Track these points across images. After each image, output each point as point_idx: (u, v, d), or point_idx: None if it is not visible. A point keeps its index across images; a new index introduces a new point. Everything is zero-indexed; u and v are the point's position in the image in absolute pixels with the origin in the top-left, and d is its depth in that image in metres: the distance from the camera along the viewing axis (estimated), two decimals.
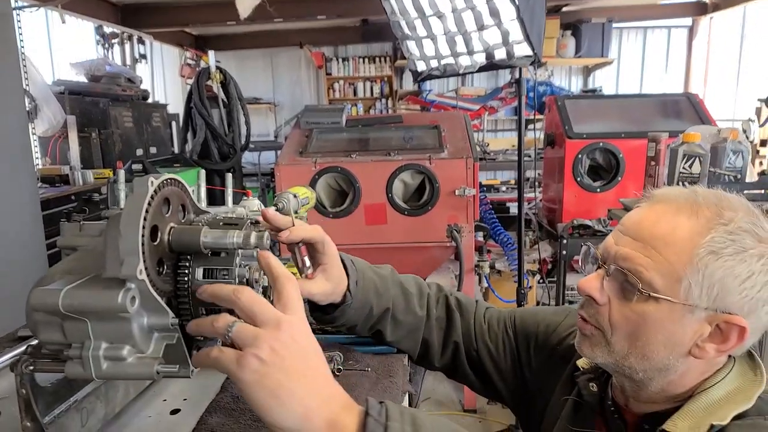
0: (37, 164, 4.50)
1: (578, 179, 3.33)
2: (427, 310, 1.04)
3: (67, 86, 4.59)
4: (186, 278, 0.67)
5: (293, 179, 2.89)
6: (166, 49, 7.64)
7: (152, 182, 0.62)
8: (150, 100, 5.66)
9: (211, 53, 3.69)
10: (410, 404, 1.19)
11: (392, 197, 2.89)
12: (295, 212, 1.44)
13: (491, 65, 2.21)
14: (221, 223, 0.71)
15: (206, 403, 0.90)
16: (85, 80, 4.95)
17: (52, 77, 5.15)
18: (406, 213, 2.90)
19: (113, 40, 5.90)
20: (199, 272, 0.68)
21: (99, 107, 4.55)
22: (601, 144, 3.32)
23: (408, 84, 8.07)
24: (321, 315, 0.95)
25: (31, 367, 0.67)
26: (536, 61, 2.08)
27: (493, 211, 3.61)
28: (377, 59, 8.07)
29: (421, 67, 2.46)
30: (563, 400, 0.91)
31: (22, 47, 3.23)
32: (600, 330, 0.78)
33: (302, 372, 0.59)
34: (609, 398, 0.86)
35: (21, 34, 3.27)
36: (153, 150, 5.12)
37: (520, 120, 2.42)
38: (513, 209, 4.54)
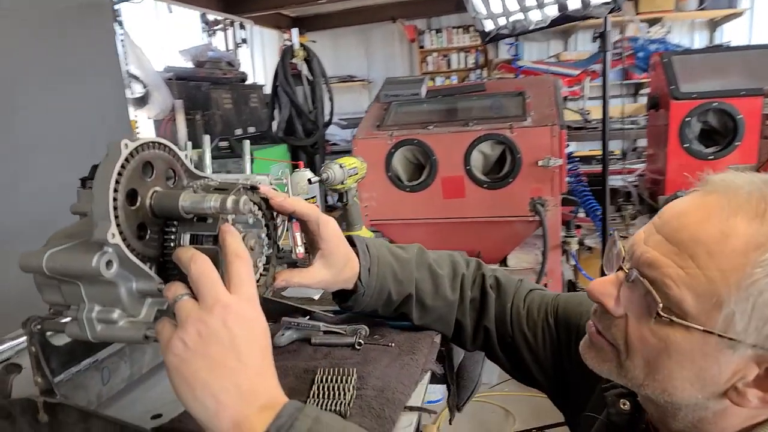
0: None
1: (686, 145, 2.97)
2: (460, 291, 0.96)
3: (175, 72, 4.95)
4: (172, 244, 0.66)
5: (369, 153, 2.88)
6: (267, 33, 7.95)
7: (126, 145, 0.61)
8: (251, 82, 5.94)
9: (294, 30, 3.76)
10: (449, 384, 1.13)
11: (471, 169, 2.77)
12: (342, 183, 1.41)
13: (565, 17, 1.99)
14: (212, 189, 0.69)
15: None
16: (192, 66, 5.30)
17: (164, 65, 5.57)
18: (485, 186, 2.78)
19: (215, 27, 6.24)
20: (186, 238, 0.66)
21: (201, 90, 4.85)
22: (715, 104, 2.92)
23: (505, 52, 7.71)
24: (339, 301, 0.91)
25: (39, 326, 0.70)
26: (616, 8, 1.83)
27: (586, 184, 3.35)
28: (471, 28, 7.78)
29: (488, 26, 2.30)
30: (588, 416, 0.77)
31: (122, 37, 3.49)
32: (614, 347, 0.63)
33: (224, 363, 0.55)
34: (643, 421, 0.70)
35: (121, 24, 3.54)
36: (251, 129, 5.37)
37: (604, 83, 2.18)
38: (613, 182, 4.19)
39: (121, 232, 0.60)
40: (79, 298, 0.65)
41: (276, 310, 1.04)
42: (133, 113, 4.40)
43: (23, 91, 2.00)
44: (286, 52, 3.61)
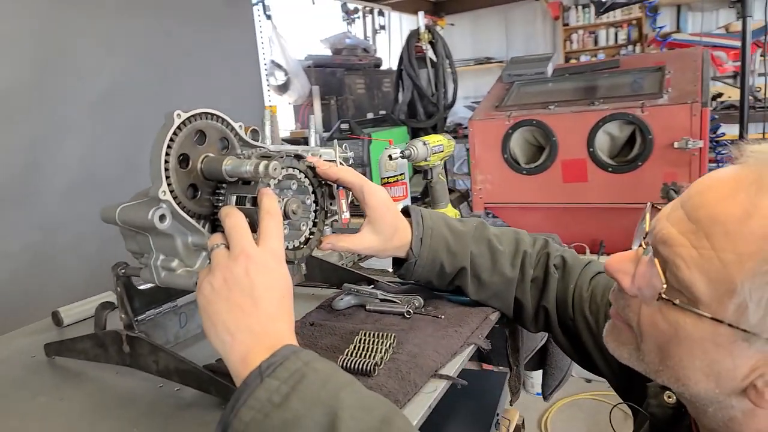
0: (293, 129, 5.40)
1: None
2: (521, 269, 0.93)
3: (314, 60, 5.28)
4: (220, 204, 0.74)
5: (486, 134, 2.83)
6: (405, 18, 8.07)
7: (179, 115, 0.70)
8: (386, 68, 6.11)
9: (420, 14, 3.78)
10: (510, 366, 1.10)
11: (594, 152, 2.58)
12: (425, 160, 1.42)
13: None
14: (258, 156, 0.76)
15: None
16: (330, 53, 5.61)
17: (306, 53, 5.96)
18: (610, 170, 2.57)
19: (354, 15, 6.50)
20: (232, 199, 0.74)
21: (336, 77, 5.11)
22: None
23: (665, 25, 6.92)
24: (395, 269, 0.95)
25: (123, 271, 0.83)
26: None
27: None
28: None
29: None
30: (641, 413, 0.70)
31: (268, 29, 3.80)
32: (631, 329, 0.58)
33: (241, 307, 0.60)
34: (688, 417, 0.63)
35: (269, 17, 3.85)
36: (382, 112, 5.54)
37: (743, 57, 1.88)
38: None
39: (172, 191, 0.70)
40: (149, 247, 0.77)
41: (344, 277, 1.10)
42: (272, 99, 4.81)
43: (176, 80, 2.29)
44: (411, 35, 3.66)
